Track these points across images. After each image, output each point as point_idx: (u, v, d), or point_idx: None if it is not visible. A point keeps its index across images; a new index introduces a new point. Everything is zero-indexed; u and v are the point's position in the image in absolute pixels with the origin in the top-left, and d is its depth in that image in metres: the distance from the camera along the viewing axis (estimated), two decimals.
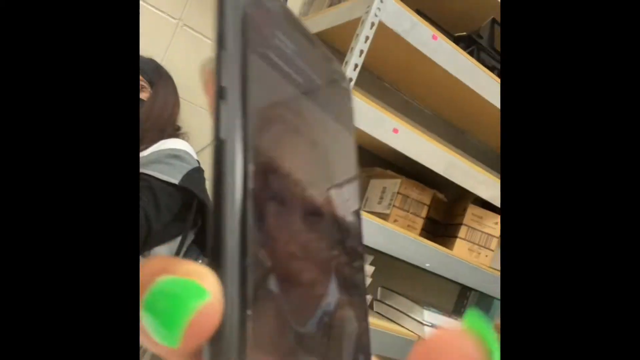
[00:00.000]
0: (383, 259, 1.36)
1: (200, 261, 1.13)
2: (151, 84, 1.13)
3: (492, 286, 1.36)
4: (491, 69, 1.33)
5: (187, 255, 1.11)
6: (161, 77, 1.16)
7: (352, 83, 1.11)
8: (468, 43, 1.34)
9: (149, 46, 1.26)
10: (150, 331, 0.12)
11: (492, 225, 1.36)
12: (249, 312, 0.12)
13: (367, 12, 1.11)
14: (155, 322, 0.12)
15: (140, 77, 1.12)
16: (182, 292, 0.12)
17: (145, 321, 0.12)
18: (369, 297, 1.30)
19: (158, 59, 1.25)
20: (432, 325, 1.31)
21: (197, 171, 1.08)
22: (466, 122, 1.65)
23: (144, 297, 0.12)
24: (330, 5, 1.50)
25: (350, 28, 1.17)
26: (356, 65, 1.11)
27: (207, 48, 1.38)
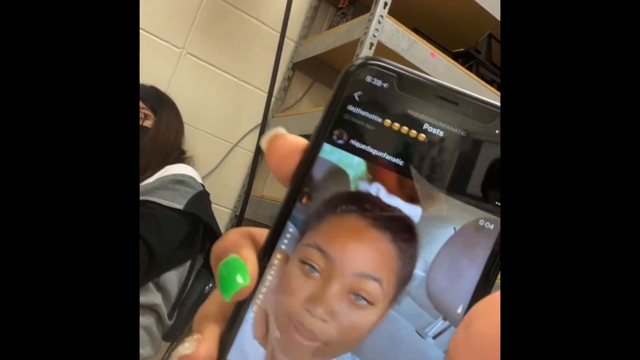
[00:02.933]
0: None
1: (210, 285, 1.13)
2: (154, 111, 1.15)
3: None
4: (490, 82, 1.35)
5: (198, 279, 1.11)
6: (164, 103, 1.18)
7: None
8: (466, 58, 1.36)
9: (153, 75, 1.29)
10: (218, 283, 0.18)
11: None
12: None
13: (366, 33, 1.13)
14: (219, 285, 0.18)
15: (144, 105, 1.14)
16: (236, 273, 0.18)
17: (217, 276, 0.19)
18: None
19: (163, 88, 1.27)
20: None
21: (202, 195, 1.09)
22: None
23: (219, 262, 0.19)
24: (329, 27, 1.53)
25: (349, 49, 1.19)
26: None
27: (210, 75, 1.41)
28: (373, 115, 0.19)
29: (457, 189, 0.19)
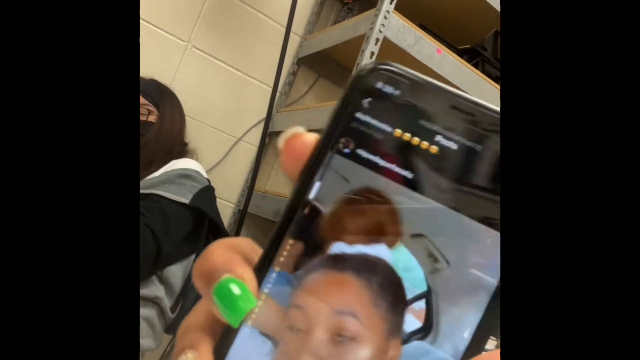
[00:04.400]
0: None
1: None
2: (157, 105, 1.14)
3: None
4: (496, 80, 1.34)
5: None
6: (164, 96, 1.18)
7: None
8: (472, 55, 1.35)
9: (158, 68, 1.28)
10: (217, 310, 0.18)
11: None
12: None
13: (372, 29, 1.13)
14: (220, 309, 0.17)
15: (146, 101, 1.14)
16: (240, 296, 0.17)
17: (215, 302, 0.18)
18: None
19: (168, 81, 1.27)
20: None
21: (208, 190, 1.09)
22: None
23: (213, 284, 0.18)
24: (335, 22, 1.52)
25: (355, 44, 1.19)
26: None
27: (215, 68, 1.41)
28: (382, 124, 0.18)
29: (468, 205, 0.18)
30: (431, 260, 0.18)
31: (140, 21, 1.32)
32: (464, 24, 1.43)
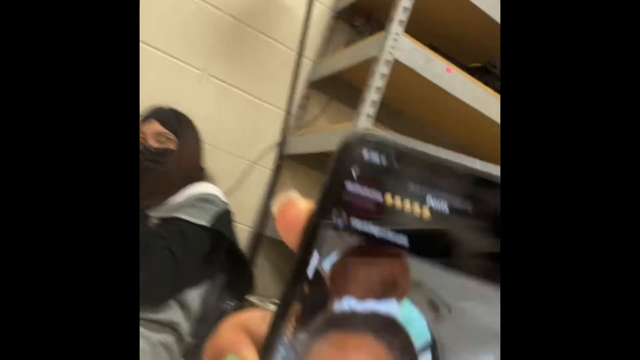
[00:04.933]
0: None
1: (232, 304, 1.14)
2: (175, 133, 1.18)
3: None
4: None
5: (219, 297, 1.12)
6: (183, 124, 1.21)
7: (371, 119, 1.13)
8: (482, 73, 1.36)
9: (175, 97, 1.32)
10: None
11: None
12: None
13: (382, 51, 1.14)
14: None
15: (165, 130, 1.17)
16: None
17: None
18: None
19: (185, 109, 1.30)
20: None
21: (226, 213, 1.11)
22: (485, 150, 1.64)
23: None
24: (346, 46, 1.55)
25: (366, 67, 1.20)
26: (373, 102, 1.14)
27: (229, 95, 1.44)
28: (373, 192, 0.18)
29: (467, 264, 0.18)
30: (432, 309, 0.18)
31: (157, 52, 1.36)
32: (473, 42, 1.44)
